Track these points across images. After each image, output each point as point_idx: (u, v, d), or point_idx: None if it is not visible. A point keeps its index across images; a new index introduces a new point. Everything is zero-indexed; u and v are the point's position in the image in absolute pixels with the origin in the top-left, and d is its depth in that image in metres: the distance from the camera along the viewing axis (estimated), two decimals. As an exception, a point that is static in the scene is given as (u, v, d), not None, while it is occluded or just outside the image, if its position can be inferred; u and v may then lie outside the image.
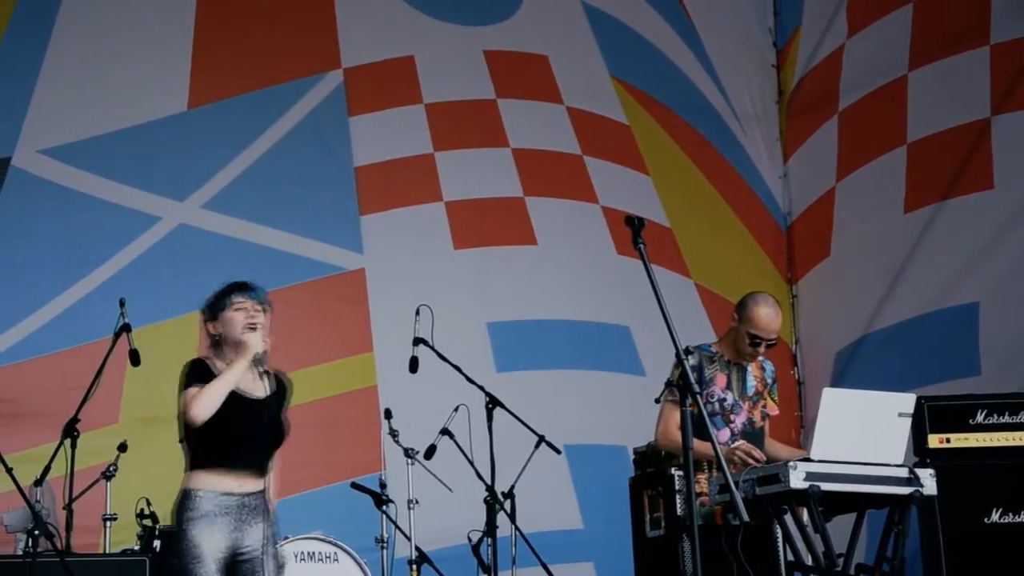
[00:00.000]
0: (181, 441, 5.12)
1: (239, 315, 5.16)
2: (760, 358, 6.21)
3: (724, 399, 6.04)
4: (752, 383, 6.17)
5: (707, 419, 4.87)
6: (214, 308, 5.20)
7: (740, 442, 5.92)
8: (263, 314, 5.21)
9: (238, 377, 5.04)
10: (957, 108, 9.40)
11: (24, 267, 8.69)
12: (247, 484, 5.05)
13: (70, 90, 9.05)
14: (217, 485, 4.99)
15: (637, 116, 10.53)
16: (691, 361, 5.96)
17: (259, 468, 5.11)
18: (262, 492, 5.12)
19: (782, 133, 10.89)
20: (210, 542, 4.91)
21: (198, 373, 5.05)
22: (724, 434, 5.97)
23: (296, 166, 9.50)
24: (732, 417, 6.04)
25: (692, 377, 4.70)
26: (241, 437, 5.03)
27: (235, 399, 5.02)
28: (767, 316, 6.03)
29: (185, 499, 4.97)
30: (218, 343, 5.17)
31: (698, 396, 4.69)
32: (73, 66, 9.09)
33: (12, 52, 8.98)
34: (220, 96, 9.43)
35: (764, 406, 6.21)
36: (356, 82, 9.80)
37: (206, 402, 4.95)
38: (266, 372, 5.23)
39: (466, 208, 9.88)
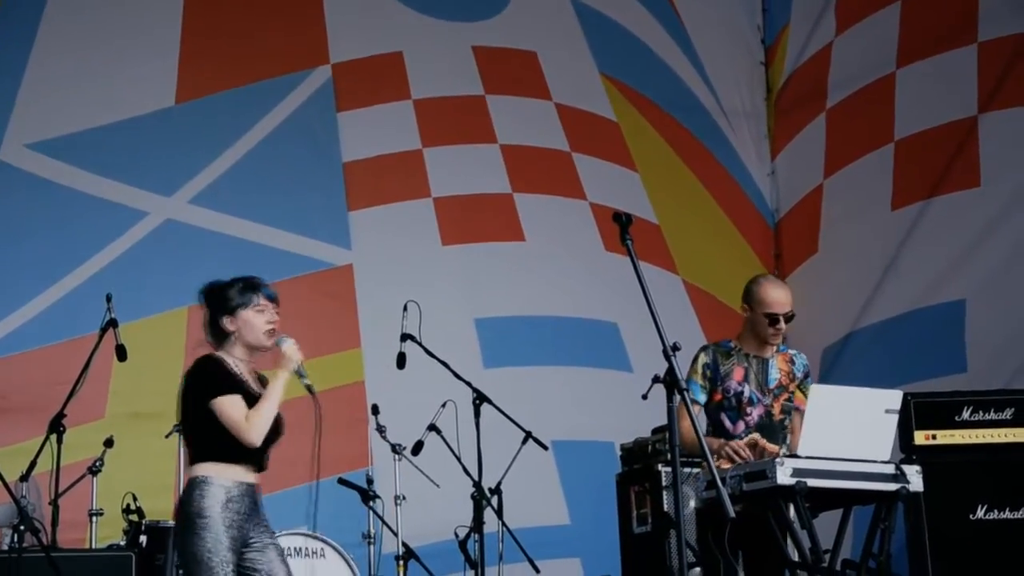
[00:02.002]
0: (180, 432, 5.07)
1: (260, 317, 5.15)
2: (792, 352, 6.16)
3: (740, 392, 6.01)
4: (775, 375, 6.10)
5: (694, 419, 4.86)
6: (230, 304, 5.15)
7: (734, 441, 5.93)
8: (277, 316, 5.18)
9: (283, 394, 5.06)
10: (944, 106, 9.42)
11: (11, 262, 8.67)
12: (251, 476, 5.06)
13: (57, 84, 9.03)
14: (232, 474, 4.98)
15: (625, 113, 10.54)
16: (706, 357, 5.99)
17: (261, 462, 5.11)
18: (258, 485, 5.12)
19: (770, 130, 10.91)
20: (229, 529, 4.89)
21: (225, 378, 5.03)
22: (738, 427, 5.96)
23: (284, 161, 9.49)
24: (748, 410, 6.00)
25: (678, 374, 4.70)
26: None
27: (247, 396, 5.03)
28: (775, 291, 6.01)
29: (202, 486, 4.91)
30: (222, 337, 5.14)
31: (685, 393, 4.69)
32: (60, 60, 9.07)
33: (0, 46, 8.97)
34: (208, 91, 9.42)
35: (787, 398, 6.14)
36: (344, 78, 9.79)
37: (264, 428, 4.99)
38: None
39: (454, 204, 9.88)
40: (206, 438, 4.99)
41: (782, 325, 6.02)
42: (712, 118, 10.77)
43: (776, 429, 6.07)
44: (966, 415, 7.17)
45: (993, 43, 9.22)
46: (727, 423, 5.92)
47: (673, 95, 10.67)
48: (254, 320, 5.13)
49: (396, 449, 7.74)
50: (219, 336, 5.15)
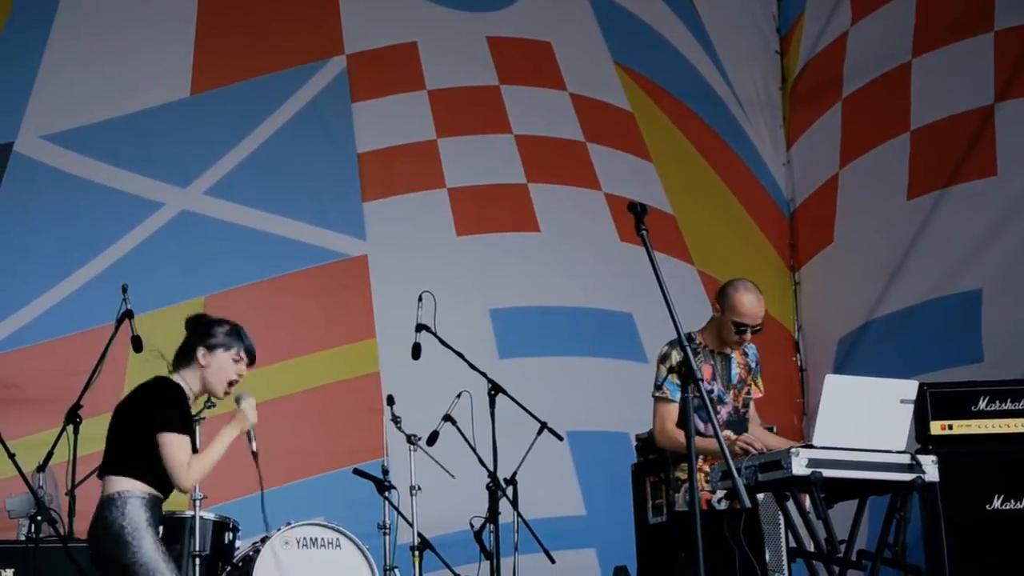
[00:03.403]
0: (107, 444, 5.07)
1: (232, 367, 5.18)
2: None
3: (711, 390, 6.02)
4: (736, 371, 6.16)
5: (711, 410, 4.85)
6: (212, 339, 5.17)
7: (744, 435, 5.93)
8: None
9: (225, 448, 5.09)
10: (960, 95, 9.38)
11: (27, 253, 8.69)
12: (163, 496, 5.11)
13: (73, 76, 9.04)
14: (151, 491, 4.99)
15: (640, 103, 10.52)
16: (678, 355, 5.95)
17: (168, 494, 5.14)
18: None
19: (785, 120, 10.88)
20: (157, 541, 4.95)
21: (184, 415, 5.04)
22: (710, 426, 5.94)
23: (299, 152, 9.50)
24: (718, 408, 6.02)
25: (693, 364, 4.69)
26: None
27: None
28: (750, 302, 6.01)
29: (130, 501, 4.92)
30: (186, 363, 5.15)
31: (700, 383, 4.68)
32: (76, 52, 9.08)
33: (15, 37, 8.97)
34: (223, 82, 9.42)
35: (748, 392, 6.19)
36: (359, 68, 9.78)
37: (200, 478, 5.05)
38: None
39: (469, 195, 9.87)
40: (138, 458, 4.98)
41: (748, 336, 6.03)
42: (727, 108, 10.74)
43: (745, 424, 6.09)
44: (982, 405, 7.15)
45: (1009, 32, 9.18)
46: (699, 422, 5.86)
47: (688, 85, 10.65)
48: (226, 365, 5.17)
49: (411, 440, 7.74)
50: (185, 361, 5.16)
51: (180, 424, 5.00)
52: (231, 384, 5.18)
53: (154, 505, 4.97)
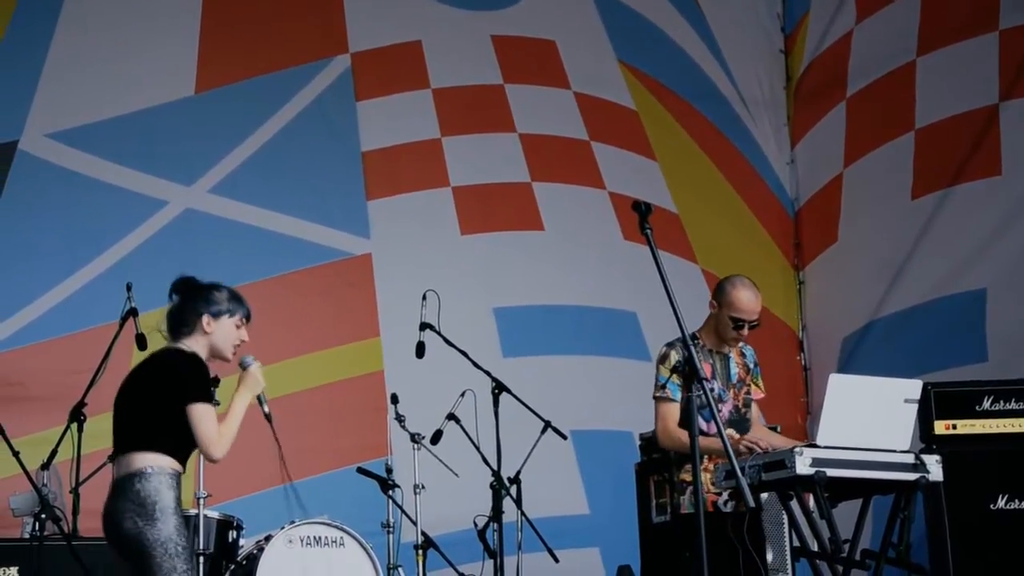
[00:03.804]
0: (120, 418, 5.00)
1: (236, 332, 5.12)
2: (741, 344, 6.19)
3: (711, 388, 6.02)
4: (735, 370, 6.16)
5: (715, 411, 4.85)
6: (216, 306, 5.09)
7: (748, 434, 5.93)
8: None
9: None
10: (965, 94, 9.37)
11: (31, 251, 8.69)
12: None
13: (77, 74, 9.05)
14: (176, 467, 4.93)
15: (645, 101, 10.51)
16: (677, 355, 5.95)
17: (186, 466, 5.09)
18: None
19: (790, 119, 10.87)
20: (181, 519, 4.90)
21: (208, 385, 4.98)
22: (711, 425, 5.94)
23: (303, 151, 9.50)
24: (720, 407, 6.02)
25: (697, 363, 4.68)
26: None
27: None
28: (747, 297, 6.01)
29: (159, 476, 4.82)
30: (189, 332, 5.07)
31: (704, 382, 4.68)
32: (80, 50, 9.09)
33: (19, 35, 8.97)
34: (227, 80, 9.43)
35: (747, 392, 6.19)
36: (363, 67, 9.78)
37: (228, 446, 4.95)
38: None
39: (473, 193, 9.87)
40: (164, 431, 4.89)
41: (746, 331, 6.04)
42: (731, 106, 10.74)
43: (746, 423, 6.10)
44: (987, 404, 7.15)
45: (1014, 31, 9.17)
46: (701, 422, 5.86)
47: (692, 83, 10.65)
48: (231, 331, 5.11)
49: (415, 438, 7.75)
50: (187, 330, 5.07)
51: (208, 394, 4.95)
52: (236, 349, 5.12)
53: (179, 486, 4.89)
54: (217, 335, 5.08)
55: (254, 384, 5.12)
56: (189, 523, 6.99)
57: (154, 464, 4.84)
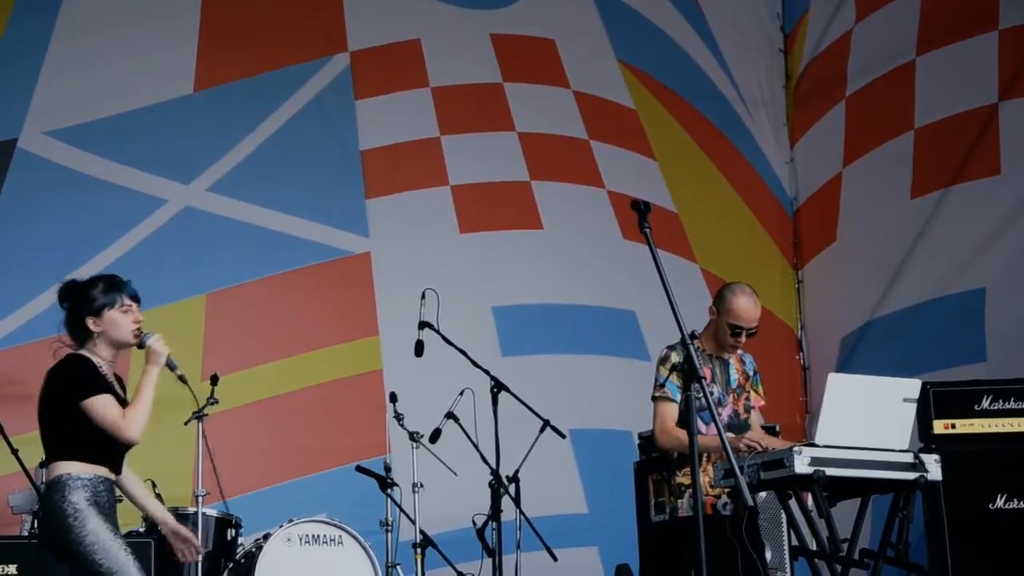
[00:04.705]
0: (50, 428, 5.02)
1: (126, 318, 5.08)
2: (739, 351, 6.20)
3: (711, 392, 6.02)
4: (735, 376, 6.16)
5: (712, 406, 4.84)
6: (94, 304, 5.05)
7: (748, 434, 5.94)
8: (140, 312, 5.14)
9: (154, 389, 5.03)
10: (965, 94, 9.37)
11: (30, 249, 8.69)
12: (111, 475, 5.03)
13: (76, 72, 9.05)
14: (95, 471, 4.94)
15: (644, 101, 10.51)
16: (678, 356, 5.95)
17: (119, 465, 5.08)
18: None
19: (789, 118, 10.87)
20: (103, 519, 4.87)
21: (96, 378, 4.99)
22: (711, 428, 5.93)
23: (302, 149, 9.49)
24: (719, 411, 6.02)
25: (697, 362, 4.68)
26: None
27: (117, 398, 5.03)
28: (746, 305, 6.02)
29: (69, 484, 4.86)
30: (85, 337, 5.06)
31: (703, 381, 4.68)
32: (79, 48, 9.09)
33: (18, 33, 8.97)
34: (226, 79, 9.43)
35: (747, 398, 6.20)
36: (362, 65, 9.78)
37: (142, 424, 4.95)
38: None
39: (472, 192, 9.87)
40: (70, 438, 4.94)
41: (743, 339, 6.05)
42: (731, 106, 10.73)
43: (745, 428, 6.09)
44: (985, 404, 7.15)
45: (1014, 30, 9.17)
46: (700, 424, 5.86)
47: (692, 82, 10.64)
48: (120, 320, 5.08)
49: (414, 437, 7.75)
50: (82, 336, 5.08)
51: (95, 386, 4.95)
52: (136, 333, 5.08)
53: (97, 486, 4.91)
54: (108, 330, 5.06)
55: (157, 357, 5.09)
56: (187, 523, 6.99)
57: (66, 472, 4.90)
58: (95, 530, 4.81)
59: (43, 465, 5.08)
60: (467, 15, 10.16)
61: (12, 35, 8.97)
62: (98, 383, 4.98)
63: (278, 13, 9.65)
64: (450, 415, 7.51)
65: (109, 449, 4.99)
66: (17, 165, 8.79)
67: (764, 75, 10.89)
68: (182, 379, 5.33)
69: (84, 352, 5.06)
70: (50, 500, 4.89)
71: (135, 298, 5.13)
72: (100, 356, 5.07)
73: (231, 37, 9.48)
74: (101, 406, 4.93)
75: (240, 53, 9.47)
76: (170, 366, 5.17)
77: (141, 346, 5.13)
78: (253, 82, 9.46)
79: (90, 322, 5.06)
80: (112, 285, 5.11)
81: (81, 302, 5.08)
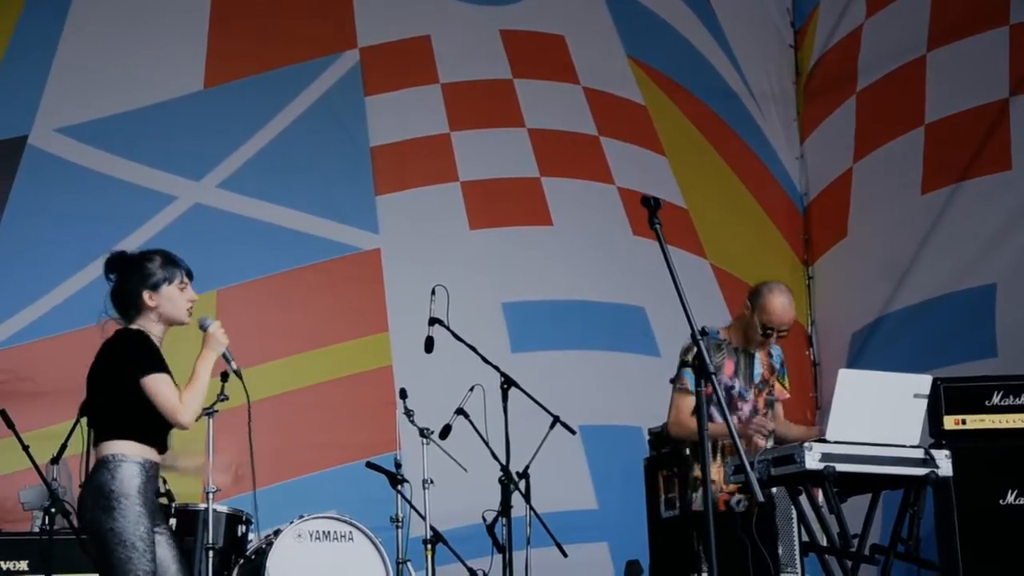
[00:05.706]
0: (89, 410, 4.93)
1: (183, 295, 5.00)
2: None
3: (732, 386, 6.02)
4: (759, 370, 6.15)
5: (723, 401, 4.85)
6: (152, 278, 4.96)
7: (757, 417, 5.93)
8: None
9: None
10: (975, 89, 9.35)
11: (40, 246, 8.70)
12: (158, 458, 4.91)
13: (86, 69, 9.06)
14: (146, 454, 4.82)
15: (654, 96, 10.51)
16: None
17: (167, 445, 4.96)
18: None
19: (799, 114, 10.86)
20: (145, 508, 4.75)
21: (158, 356, 4.87)
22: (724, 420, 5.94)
23: (312, 146, 9.50)
24: (739, 404, 6.02)
25: (707, 358, 4.68)
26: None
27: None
28: (782, 306, 6.01)
29: (122, 464, 4.74)
30: (137, 311, 4.96)
31: (713, 378, 4.68)
32: (90, 45, 9.10)
33: (29, 30, 8.98)
34: (236, 75, 9.43)
35: (770, 392, 6.19)
36: (372, 62, 9.79)
37: (197, 409, 4.85)
38: None
39: (482, 188, 9.87)
40: (126, 415, 4.82)
41: (773, 339, 6.04)
42: (741, 101, 10.73)
43: None
44: (996, 400, 7.15)
45: (1025, 25, 9.16)
46: (717, 417, 5.87)
47: (701, 78, 10.63)
48: (176, 297, 4.98)
49: (424, 433, 7.75)
50: (134, 310, 4.97)
51: (157, 364, 4.83)
52: (190, 312, 5.01)
53: (148, 471, 4.80)
54: (164, 306, 4.96)
55: (216, 344, 5.01)
56: (197, 519, 7.01)
57: (119, 452, 4.78)
58: (131, 523, 4.69)
59: (94, 444, 4.90)
60: (477, 11, 10.16)
61: (23, 32, 8.98)
62: (158, 361, 4.86)
63: (287, 10, 9.66)
64: (460, 411, 7.52)
65: (161, 430, 4.88)
66: (27, 162, 8.80)
67: (774, 71, 10.88)
68: (237, 373, 5.27)
69: (139, 327, 4.94)
70: (98, 478, 4.75)
71: (191, 275, 5.06)
72: (152, 333, 4.95)
73: (241, 34, 9.49)
74: (162, 385, 4.80)
75: (250, 50, 9.48)
76: (226, 358, 5.11)
77: (202, 328, 5.03)
78: (263, 79, 9.47)
79: (146, 296, 4.94)
80: (169, 260, 5.03)
81: (137, 274, 4.98)
